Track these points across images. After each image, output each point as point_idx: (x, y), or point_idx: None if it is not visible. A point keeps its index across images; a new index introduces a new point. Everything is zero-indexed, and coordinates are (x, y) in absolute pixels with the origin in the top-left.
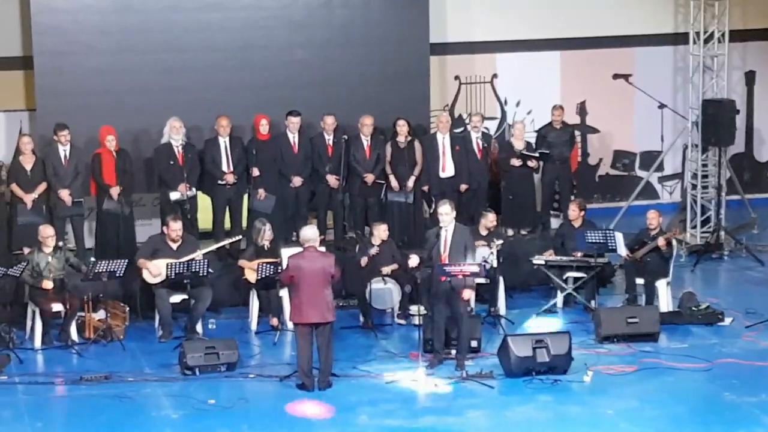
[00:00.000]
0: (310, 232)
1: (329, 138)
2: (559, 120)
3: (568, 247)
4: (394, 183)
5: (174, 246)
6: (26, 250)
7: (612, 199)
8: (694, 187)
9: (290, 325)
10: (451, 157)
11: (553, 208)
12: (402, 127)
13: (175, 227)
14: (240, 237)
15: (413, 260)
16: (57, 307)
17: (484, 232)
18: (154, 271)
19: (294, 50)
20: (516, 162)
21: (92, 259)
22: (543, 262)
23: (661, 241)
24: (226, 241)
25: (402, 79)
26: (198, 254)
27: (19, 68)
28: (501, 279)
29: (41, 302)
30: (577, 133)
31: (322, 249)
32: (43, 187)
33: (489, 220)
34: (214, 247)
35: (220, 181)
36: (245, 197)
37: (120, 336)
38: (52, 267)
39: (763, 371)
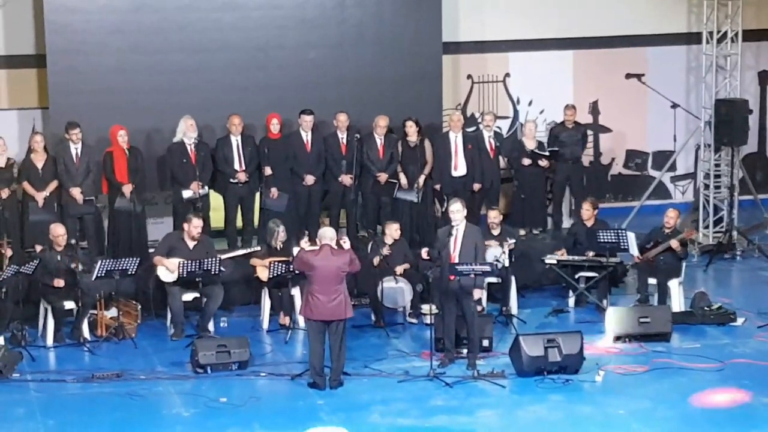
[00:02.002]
0: (328, 232)
1: (342, 137)
2: (572, 120)
3: (580, 246)
4: (404, 181)
5: (191, 245)
6: (38, 248)
7: (624, 199)
8: (706, 187)
9: (302, 323)
10: (464, 156)
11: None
12: (410, 127)
13: (198, 224)
14: (259, 248)
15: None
16: (69, 304)
17: (495, 232)
18: (171, 267)
19: (307, 50)
20: (526, 161)
21: (99, 261)
22: (555, 262)
23: (674, 243)
24: (245, 251)
25: (415, 79)
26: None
27: (32, 66)
28: (513, 278)
29: (53, 300)
30: (589, 132)
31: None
32: (54, 185)
33: (490, 216)
34: (232, 254)
35: (232, 180)
36: (257, 195)
37: (132, 334)
38: (63, 265)
39: None
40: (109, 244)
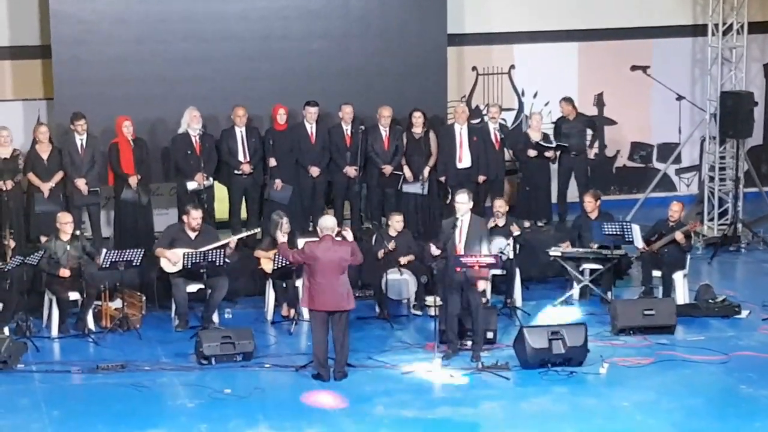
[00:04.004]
0: (328, 221)
1: (347, 128)
2: (571, 113)
3: (584, 238)
4: (408, 174)
5: (192, 235)
6: (43, 239)
7: (629, 191)
8: (711, 179)
9: (306, 314)
10: (468, 148)
11: None
12: (417, 119)
13: (196, 215)
14: (257, 230)
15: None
16: (74, 295)
17: (500, 222)
18: (174, 258)
19: (312, 41)
20: (532, 153)
21: (104, 249)
22: (559, 254)
23: (679, 236)
24: (243, 234)
25: (420, 70)
26: (216, 245)
27: (37, 57)
28: (517, 270)
29: (58, 291)
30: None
31: (339, 239)
32: (59, 176)
33: (495, 206)
34: (231, 238)
35: (236, 171)
36: (262, 187)
37: (136, 325)
38: (69, 255)
39: None
40: (115, 236)
